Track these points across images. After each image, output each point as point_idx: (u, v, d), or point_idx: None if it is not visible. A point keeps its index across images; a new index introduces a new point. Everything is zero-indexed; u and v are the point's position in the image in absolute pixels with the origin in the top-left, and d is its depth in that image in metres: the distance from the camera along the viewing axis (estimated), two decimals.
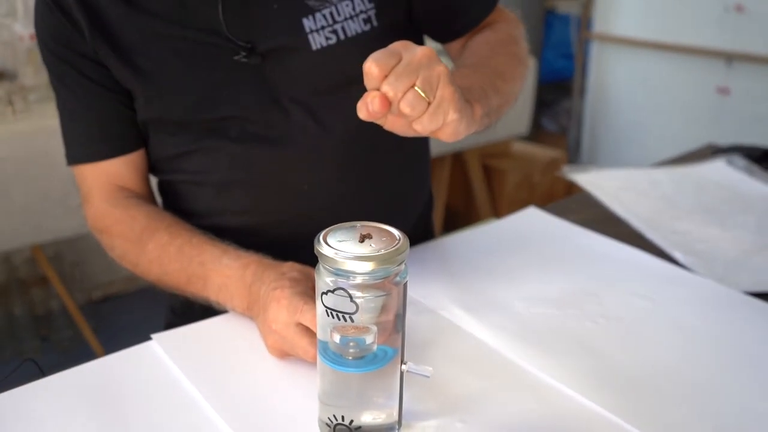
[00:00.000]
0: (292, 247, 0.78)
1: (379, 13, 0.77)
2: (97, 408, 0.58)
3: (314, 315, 0.58)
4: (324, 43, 0.75)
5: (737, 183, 1.16)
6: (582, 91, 2.97)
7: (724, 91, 2.51)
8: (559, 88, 3.15)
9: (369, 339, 0.50)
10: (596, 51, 2.89)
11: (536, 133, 3.13)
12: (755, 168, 1.20)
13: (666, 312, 0.74)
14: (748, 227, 0.99)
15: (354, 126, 0.78)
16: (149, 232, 0.76)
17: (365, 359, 0.51)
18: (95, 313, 2.22)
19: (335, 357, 0.51)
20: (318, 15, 0.74)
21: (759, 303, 0.77)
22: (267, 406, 0.58)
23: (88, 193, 0.81)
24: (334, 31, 0.75)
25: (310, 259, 0.74)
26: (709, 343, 0.69)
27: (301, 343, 0.60)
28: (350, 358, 0.51)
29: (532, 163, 2.68)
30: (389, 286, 0.49)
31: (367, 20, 0.76)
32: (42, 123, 1.55)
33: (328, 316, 0.49)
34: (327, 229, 0.51)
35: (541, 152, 2.78)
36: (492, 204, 2.64)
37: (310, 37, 0.74)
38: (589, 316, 0.73)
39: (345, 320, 0.48)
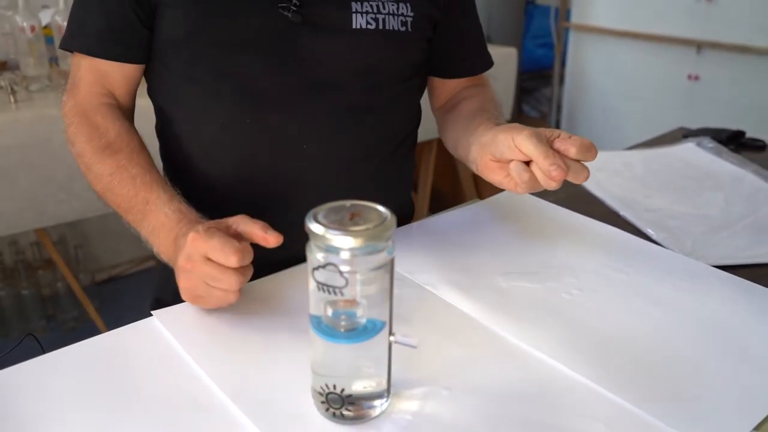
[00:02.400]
0: (278, 202, 0.80)
1: (414, 24, 0.81)
2: (100, 381, 0.58)
3: (216, 242, 0.59)
4: (364, 26, 0.77)
5: (706, 163, 1.17)
6: (561, 79, 2.96)
7: (694, 77, 2.51)
8: (539, 77, 3.14)
9: (359, 312, 0.50)
10: (574, 40, 2.89)
11: (518, 120, 3.13)
12: (723, 149, 1.21)
13: (639, 284, 0.75)
14: (716, 205, 1.00)
15: (363, 108, 0.82)
16: (113, 149, 0.75)
17: (356, 331, 0.51)
18: (99, 293, 2.21)
19: (328, 329, 0.51)
20: (365, 2, 0.77)
21: (725, 275, 0.77)
22: (263, 377, 0.58)
23: (77, 83, 0.80)
24: (376, 20, 0.78)
25: (292, 215, 0.74)
26: (678, 313, 0.70)
27: (206, 268, 0.60)
28: (342, 330, 0.51)
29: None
30: (377, 261, 0.48)
31: (404, 23, 0.80)
32: (43, 111, 1.52)
33: (320, 290, 0.49)
34: (317, 207, 0.50)
35: None
36: (476, 187, 2.64)
37: (354, 15, 0.77)
38: (566, 288, 0.73)
39: (335, 294, 0.48)
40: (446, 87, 0.94)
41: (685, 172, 1.13)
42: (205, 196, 0.80)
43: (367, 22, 0.77)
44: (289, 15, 0.74)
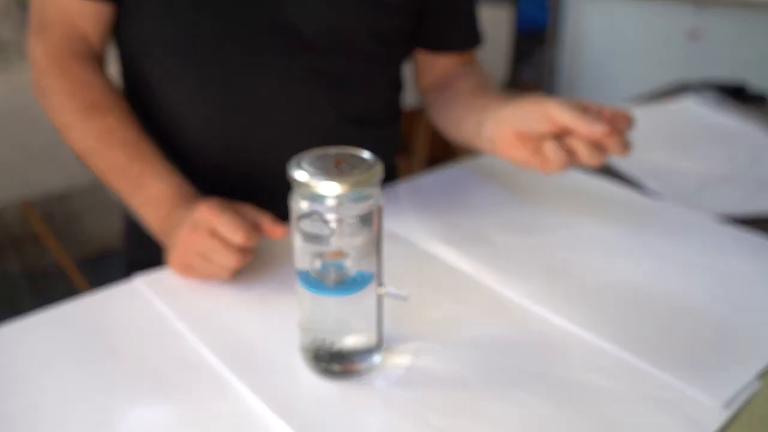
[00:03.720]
0: (252, 169, 0.78)
1: None
2: (82, 343, 0.57)
3: (226, 217, 0.60)
4: None
5: (707, 116, 1.15)
6: (557, 41, 2.92)
7: (694, 35, 2.48)
8: (534, 39, 3.09)
9: (347, 263, 0.49)
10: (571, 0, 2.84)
11: (514, 82, 3.09)
12: (724, 102, 1.19)
13: (637, 236, 0.74)
14: (717, 158, 0.98)
15: (338, 73, 0.77)
16: (102, 109, 0.71)
17: (344, 284, 0.50)
18: (89, 268, 2.20)
19: (316, 282, 0.50)
20: None
21: (725, 227, 0.76)
22: (250, 335, 0.57)
23: (47, 25, 0.74)
24: None
25: (266, 182, 0.72)
26: (678, 264, 0.69)
27: (209, 241, 0.60)
28: (330, 283, 0.49)
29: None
30: (364, 209, 0.47)
31: None
32: (22, 78, 1.48)
33: (305, 241, 0.48)
34: (300, 154, 0.49)
35: None
36: (471, 153, 2.62)
37: None
38: (562, 242, 0.72)
39: (322, 244, 0.47)
40: (436, 65, 0.88)
41: (686, 125, 1.11)
42: (174, 161, 0.76)
43: None
44: None
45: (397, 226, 0.75)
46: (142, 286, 0.64)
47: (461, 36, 0.87)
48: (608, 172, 0.92)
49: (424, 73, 0.90)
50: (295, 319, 0.54)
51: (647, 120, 1.13)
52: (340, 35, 0.75)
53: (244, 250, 0.62)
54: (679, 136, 1.06)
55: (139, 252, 0.86)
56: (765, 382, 0.52)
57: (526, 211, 0.79)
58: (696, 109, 1.18)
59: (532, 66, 3.18)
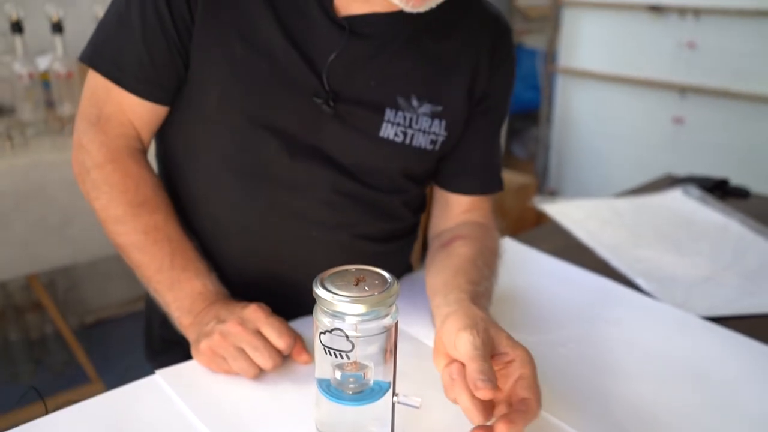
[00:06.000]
0: (279, 280, 0.80)
1: (444, 143, 0.79)
2: None
3: (275, 321, 0.66)
4: (390, 137, 0.76)
5: (692, 212, 1.20)
6: (549, 121, 3.03)
7: (678, 120, 2.59)
8: (527, 118, 3.21)
9: (366, 375, 0.52)
10: (561, 83, 2.96)
11: (507, 160, 3.19)
12: (708, 198, 1.25)
13: (632, 337, 0.77)
14: (702, 253, 1.03)
15: (375, 199, 0.80)
16: (151, 206, 0.74)
17: (363, 393, 0.53)
18: (88, 336, 2.19)
19: (336, 392, 0.53)
20: (400, 113, 0.75)
21: (713, 326, 0.80)
22: None
23: (107, 118, 0.75)
24: (404, 133, 0.76)
25: (291, 291, 0.75)
26: (671, 367, 0.72)
27: (252, 337, 0.65)
28: (349, 392, 0.52)
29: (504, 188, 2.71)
30: (382, 325, 0.50)
31: (433, 142, 0.78)
32: (39, 157, 1.54)
33: (326, 353, 0.51)
34: (323, 273, 0.52)
35: (511, 178, 2.83)
36: None
37: (384, 124, 0.75)
38: (560, 341, 0.75)
39: (342, 357, 0.50)
40: (449, 210, 0.86)
41: (673, 220, 1.16)
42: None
43: (395, 134, 0.76)
44: (323, 106, 0.73)
45: (402, 320, 0.77)
46: (161, 382, 0.67)
47: (479, 180, 0.85)
48: (600, 267, 0.96)
49: (436, 215, 0.88)
50: (311, 421, 0.56)
51: (635, 215, 1.18)
52: (372, 171, 0.78)
53: (280, 355, 0.66)
54: (667, 232, 1.11)
55: (163, 328, 0.88)
56: None
57: (525, 307, 0.83)
58: (682, 204, 1.24)
59: (524, 144, 3.29)
